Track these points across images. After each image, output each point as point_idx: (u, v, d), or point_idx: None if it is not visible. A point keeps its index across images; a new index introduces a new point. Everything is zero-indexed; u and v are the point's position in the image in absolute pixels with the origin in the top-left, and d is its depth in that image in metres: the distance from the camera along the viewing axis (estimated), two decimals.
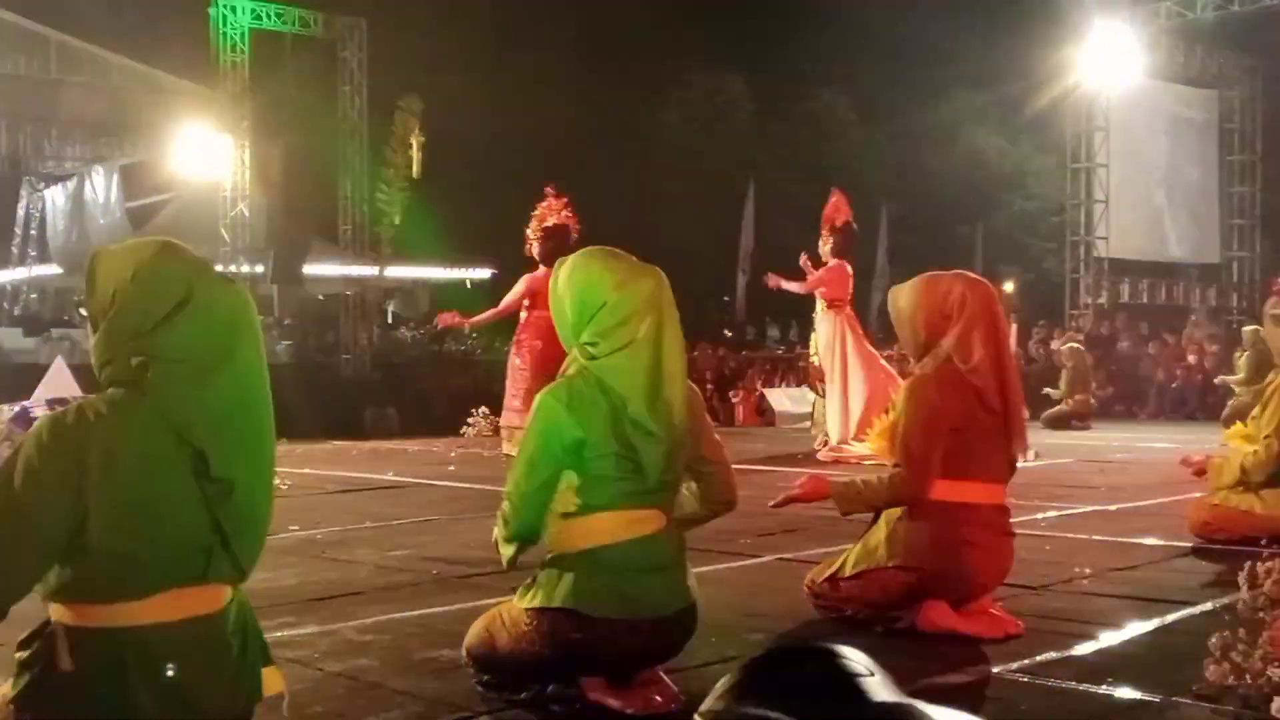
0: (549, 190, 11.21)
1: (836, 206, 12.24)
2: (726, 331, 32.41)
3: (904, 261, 31.30)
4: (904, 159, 36.39)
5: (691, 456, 3.31)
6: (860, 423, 11.16)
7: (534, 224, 11.16)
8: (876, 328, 28.79)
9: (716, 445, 3.42)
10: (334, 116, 21.19)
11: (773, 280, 12.16)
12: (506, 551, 3.27)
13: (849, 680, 1.64)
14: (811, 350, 12.38)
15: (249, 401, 2.51)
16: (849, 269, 12.01)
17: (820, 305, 12.04)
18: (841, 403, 11.51)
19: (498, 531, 3.27)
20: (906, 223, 33.96)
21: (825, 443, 11.64)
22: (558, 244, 10.67)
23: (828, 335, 11.77)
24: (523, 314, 11.09)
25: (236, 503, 2.49)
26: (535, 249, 11.07)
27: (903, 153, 36.54)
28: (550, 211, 11.12)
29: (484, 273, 28.74)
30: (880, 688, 1.64)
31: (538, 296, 10.73)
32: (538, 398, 3.20)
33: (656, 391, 3.13)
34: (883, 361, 11.87)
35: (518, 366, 10.95)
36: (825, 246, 12.12)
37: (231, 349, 2.49)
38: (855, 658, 1.70)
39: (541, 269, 10.73)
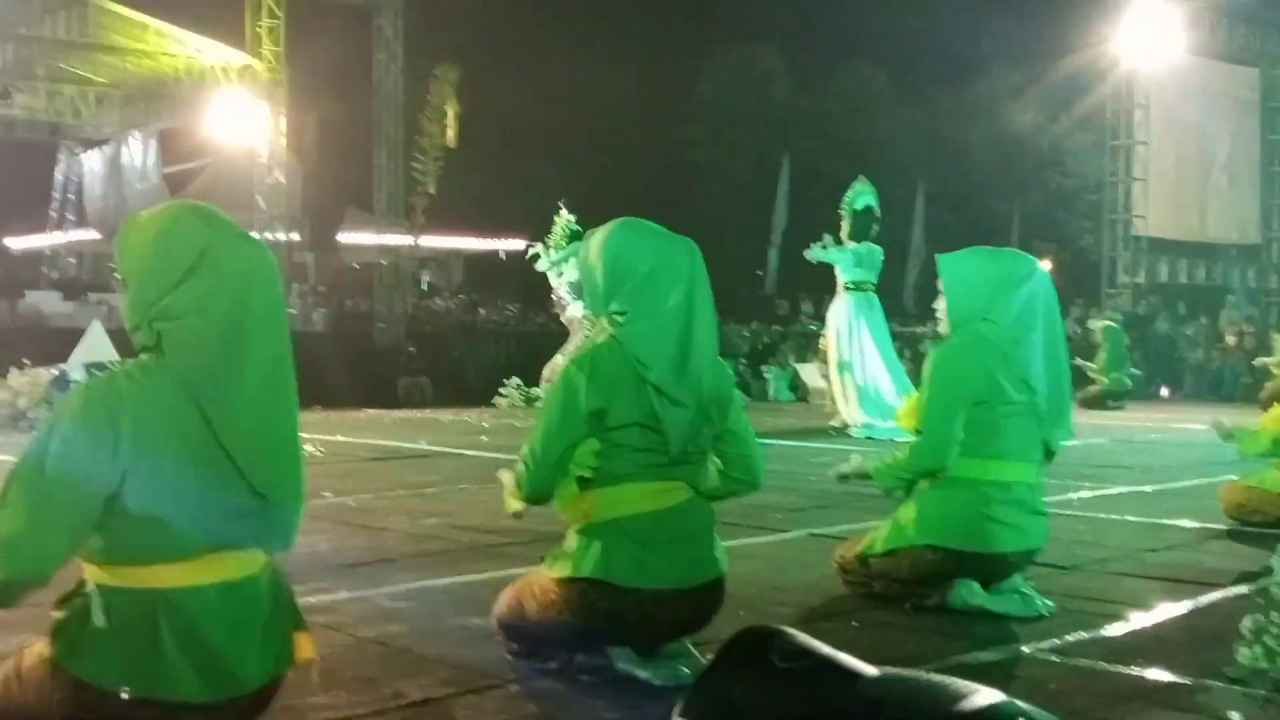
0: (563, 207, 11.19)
1: (858, 191, 12.22)
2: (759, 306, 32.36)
3: (940, 238, 31.09)
4: (941, 135, 36.12)
5: (718, 431, 3.30)
6: (879, 399, 11.30)
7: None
8: (913, 305, 28.77)
9: (744, 422, 3.40)
10: (370, 85, 21.21)
11: (811, 254, 12.17)
12: (512, 504, 3.32)
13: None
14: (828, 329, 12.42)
15: (267, 364, 2.50)
16: (867, 249, 11.94)
17: (841, 284, 12.04)
18: (840, 385, 11.61)
19: (508, 483, 3.31)
20: (943, 199, 33.74)
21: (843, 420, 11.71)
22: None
23: (836, 317, 11.81)
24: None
25: (265, 470, 2.50)
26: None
27: (940, 129, 36.26)
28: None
29: (518, 244, 28.73)
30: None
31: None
32: (562, 365, 3.21)
33: (684, 361, 3.12)
34: (897, 358, 12.01)
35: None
36: (843, 228, 12.14)
37: (243, 308, 2.48)
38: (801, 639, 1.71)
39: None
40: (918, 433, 4.07)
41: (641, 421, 3.12)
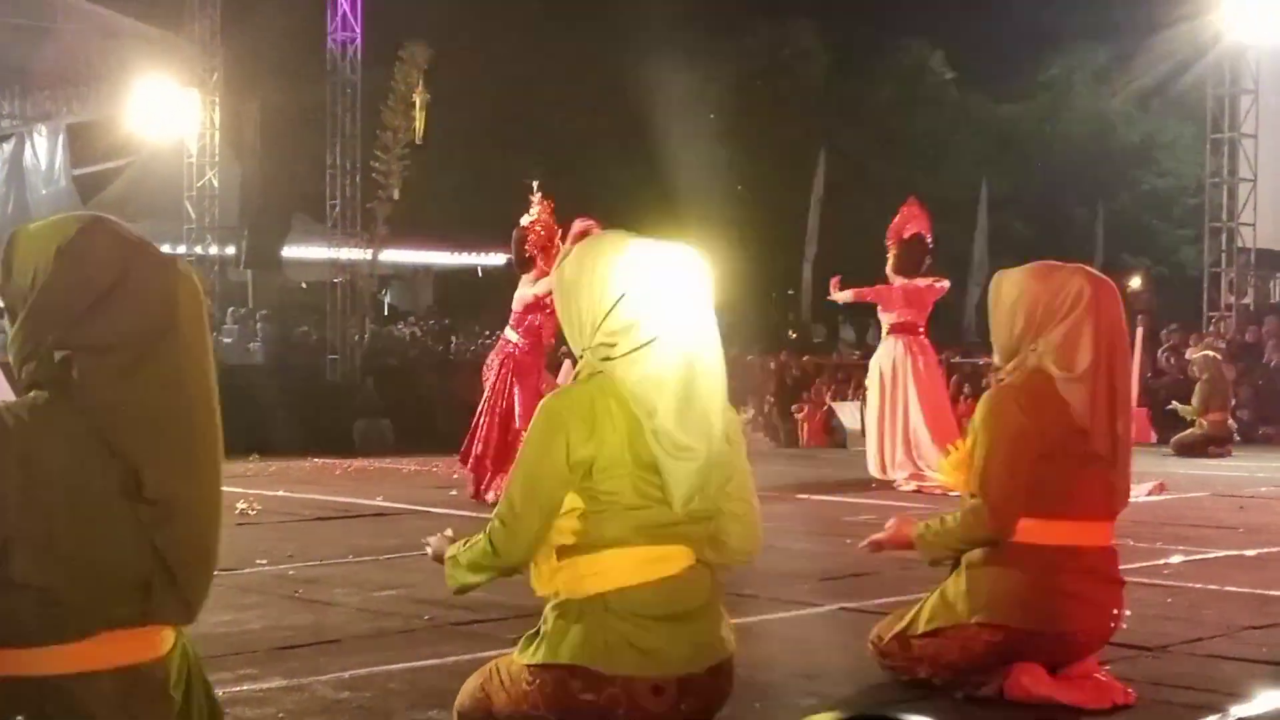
0: (531, 196, 10.96)
1: (907, 217, 12.34)
2: (790, 333, 32.40)
3: (1007, 249, 31.16)
4: (1009, 126, 36.26)
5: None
6: (918, 454, 11.46)
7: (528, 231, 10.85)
8: (975, 330, 28.77)
9: (746, 481, 3.38)
10: (322, 67, 21.33)
11: (834, 288, 12.44)
12: (464, 579, 3.29)
13: None
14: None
15: (190, 403, 2.52)
16: (917, 286, 12.07)
17: (885, 328, 12.25)
18: (878, 435, 11.81)
19: (460, 553, 3.29)
20: (1011, 203, 33.84)
21: (882, 469, 11.87)
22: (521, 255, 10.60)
23: (880, 359, 12.06)
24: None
25: (177, 527, 2.51)
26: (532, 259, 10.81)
27: (1008, 118, 36.40)
28: (533, 224, 10.82)
29: (498, 259, 28.86)
30: None
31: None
32: (541, 404, 3.21)
33: (689, 398, 3.11)
34: (946, 399, 12.15)
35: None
36: (889, 261, 12.31)
37: (167, 340, 2.50)
38: None
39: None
40: (972, 495, 4.07)
41: (634, 473, 3.12)
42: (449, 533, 3.48)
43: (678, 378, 3.12)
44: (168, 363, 2.51)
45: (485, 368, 11.27)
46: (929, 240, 12.42)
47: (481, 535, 3.25)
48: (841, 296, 12.44)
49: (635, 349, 3.12)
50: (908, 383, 11.85)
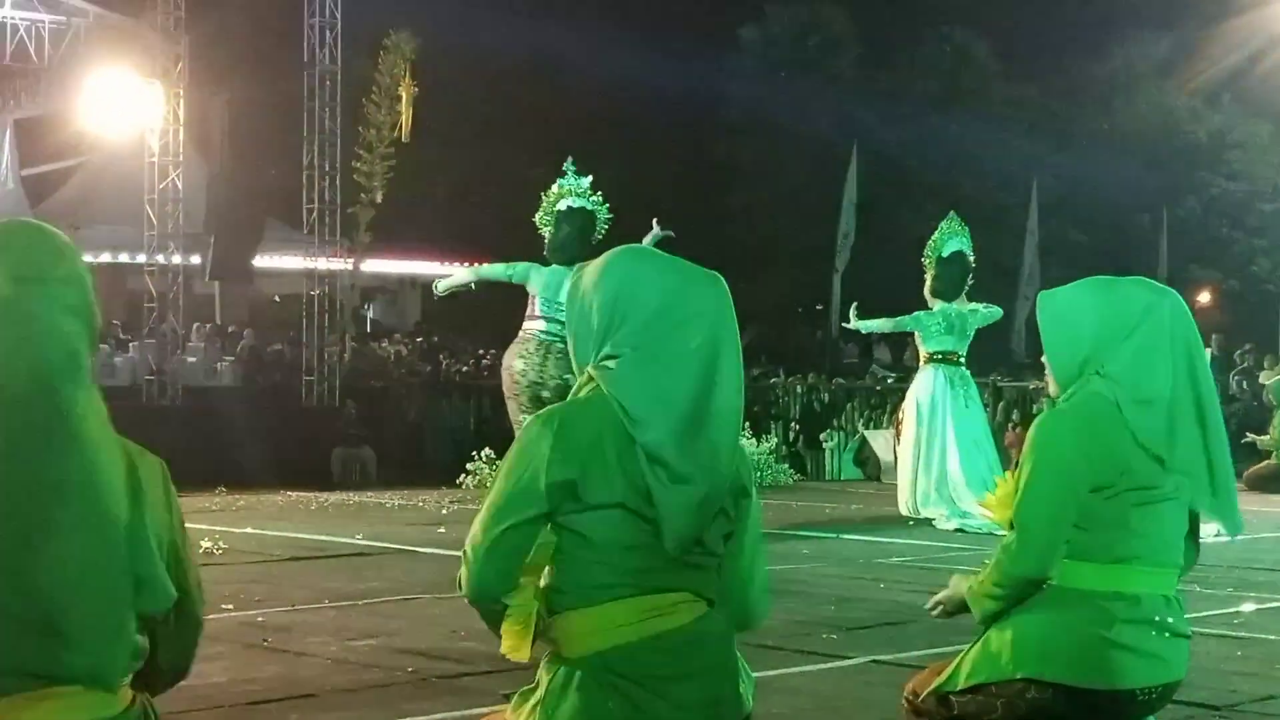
0: (568, 167, 11.45)
1: (945, 233, 12.40)
2: (818, 353, 32.38)
3: (1060, 260, 31.19)
4: (1063, 123, 36.27)
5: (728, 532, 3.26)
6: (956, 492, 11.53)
7: (546, 205, 11.41)
8: (1025, 351, 28.74)
9: (755, 535, 3.28)
10: (298, 58, 21.41)
11: (856, 323, 12.60)
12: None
13: None
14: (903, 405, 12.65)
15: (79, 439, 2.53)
16: (956, 312, 12.12)
17: (923, 356, 12.31)
18: (912, 470, 11.86)
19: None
20: (1064, 209, 33.85)
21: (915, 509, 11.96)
22: (575, 233, 10.97)
23: (918, 390, 12.11)
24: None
25: (67, 566, 2.51)
26: (546, 235, 11.33)
27: (1061, 115, 36.41)
28: (571, 194, 11.33)
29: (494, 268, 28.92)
30: None
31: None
32: (524, 423, 3.21)
33: (698, 425, 3.09)
34: (985, 437, 12.21)
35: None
36: (928, 283, 12.37)
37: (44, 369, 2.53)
38: None
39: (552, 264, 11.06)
40: (1010, 528, 4.06)
41: (627, 504, 3.08)
42: None
43: (687, 401, 3.11)
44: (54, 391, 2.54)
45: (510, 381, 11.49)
46: (971, 258, 12.45)
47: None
48: (866, 325, 12.55)
49: (643, 362, 3.13)
50: (946, 418, 11.88)
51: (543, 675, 3.22)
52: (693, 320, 3.16)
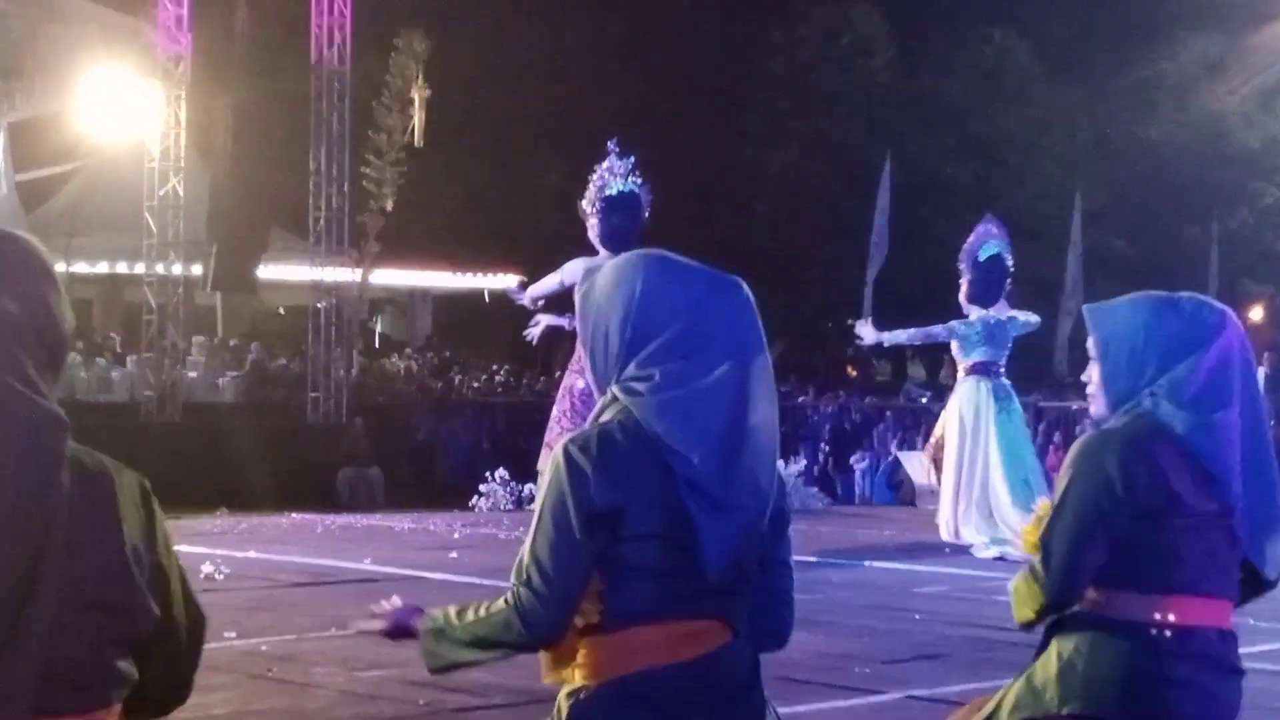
0: (612, 147, 11.40)
1: (983, 236, 12.38)
2: (849, 370, 32.40)
3: (1105, 273, 31.12)
4: (1108, 129, 36.22)
5: (763, 556, 3.27)
6: (998, 517, 11.50)
7: (591, 193, 11.33)
8: (1067, 369, 28.64)
9: (787, 554, 3.34)
10: (305, 60, 21.47)
11: (866, 333, 12.60)
12: (458, 655, 3.21)
13: None
14: (939, 427, 12.61)
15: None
16: (995, 320, 12.12)
17: (960, 368, 12.30)
18: (954, 490, 11.83)
19: (454, 621, 3.23)
20: (1110, 219, 33.79)
21: (956, 534, 11.92)
22: (625, 219, 10.90)
23: (957, 407, 12.09)
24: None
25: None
26: (594, 228, 11.24)
27: (1106, 120, 36.36)
28: (612, 175, 11.29)
29: (508, 279, 28.91)
30: None
31: None
32: (556, 449, 3.18)
33: (734, 450, 3.10)
34: (1030, 453, 12.19)
35: (579, 389, 11.19)
36: (962, 288, 12.35)
37: None
38: None
39: (604, 254, 10.96)
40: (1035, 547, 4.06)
41: (665, 533, 3.10)
42: (395, 600, 3.44)
43: (722, 426, 3.11)
44: None
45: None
46: (1009, 262, 12.43)
47: (502, 605, 3.21)
48: (890, 338, 12.55)
49: (673, 388, 3.13)
50: (989, 431, 11.85)
51: (561, 703, 3.22)
52: (719, 336, 3.16)
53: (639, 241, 11.47)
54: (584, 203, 11.40)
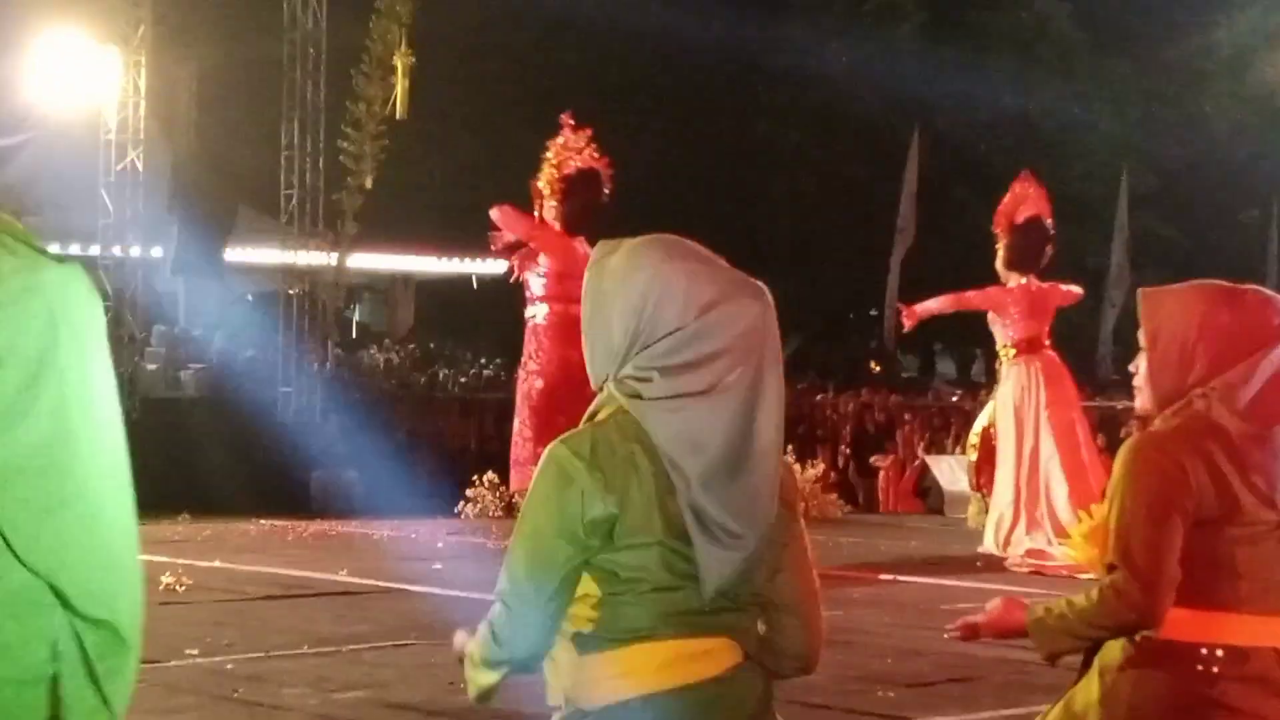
0: (566, 121, 11.48)
1: (1020, 197, 12.37)
2: (872, 365, 32.40)
3: (1153, 260, 31.14)
4: (1158, 104, 36.20)
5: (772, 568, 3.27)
6: (1050, 518, 11.40)
7: (547, 172, 11.40)
8: (1111, 365, 28.64)
9: (804, 561, 3.33)
10: (277, 20, 21.47)
11: (908, 316, 12.58)
12: (480, 680, 3.27)
13: None
14: (985, 417, 12.57)
15: (64, 448, 2.51)
16: (1037, 287, 12.10)
17: (1000, 346, 12.24)
18: (1014, 489, 11.75)
19: (472, 647, 3.27)
20: (1160, 201, 33.81)
21: (1006, 543, 11.82)
22: (587, 200, 10.98)
23: (1008, 394, 12.04)
24: (536, 310, 11.37)
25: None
26: (553, 209, 11.31)
27: (1156, 94, 36.34)
28: (569, 152, 11.37)
29: (497, 266, 28.93)
30: None
31: (563, 279, 11.06)
32: (547, 450, 3.19)
33: (735, 470, 3.10)
34: (1086, 439, 12.09)
35: (536, 391, 11.22)
36: (999, 254, 12.33)
37: (46, 364, 2.50)
38: None
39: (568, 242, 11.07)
40: (1111, 568, 4.04)
41: (666, 542, 3.11)
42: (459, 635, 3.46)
43: (724, 444, 3.11)
44: (43, 397, 2.50)
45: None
46: (1049, 224, 12.41)
47: (484, 621, 3.24)
48: (925, 308, 12.50)
49: (679, 395, 3.12)
50: (1039, 418, 11.78)
51: None
52: (731, 347, 3.15)
53: (599, 221, 11.55)
54: (539, 182, 11.48)
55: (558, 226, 11.43)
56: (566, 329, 11.12)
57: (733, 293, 3.20)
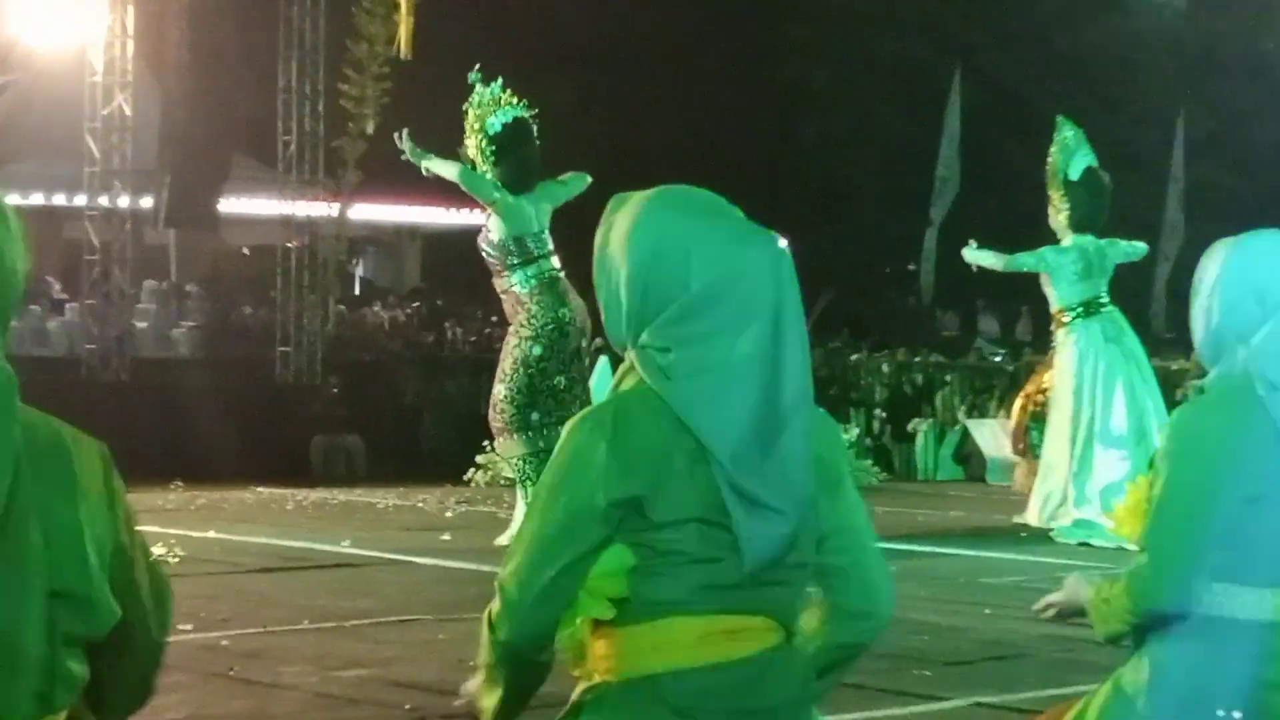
0: (474, 77, 11.59)
1: (1067, 150, 12.30)
2: (910, 324, 32.30)
3: (1210, 212, 30.96)
4: (1215, 40, 36.03)
5: (823, 531, 3.28)
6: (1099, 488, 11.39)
7: (474, 140, 11.49)
8: (1165, 323, 28.55)
9: (859, 515, 3.33)
10: None
11: (974, 257, 12.48)
12: (488, 700, 3.25)
13: None
14: (1039, 383, 12.55)
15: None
16: (1097, 243, 12.07)
17: (1055, 310, 12.21)
18: (1066, 461, 11.71)
19: (484, 652, 3.27)
20: (1217, 149, 33.66)
21: (1053, 517, 11.82)
22: (525, 152, 11.09)
23: (1064, 361, 11.99)
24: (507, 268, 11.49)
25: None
26: (496, 174, 11.38)
27: (1214, 33, 36.17)
28: (486, 109, 11.51)
29: None
30: None
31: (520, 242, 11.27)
32: (567, 427, 3.19)
33: (769, 440, 3.10)
34: (1155, 402, 12.06)
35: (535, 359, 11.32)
36: (1058, 215, 12.26)
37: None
38: None
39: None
40: (1141, 549, 4.04)
41: (703, 516, 3.11)
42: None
43: (755, 414, 3.11)
44: None
45: None
46: (1106, 176, 12.35)
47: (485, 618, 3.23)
48: (974, 256, 12.43)
49: (698, 371, 3.12)
50: (1107, 381, 11.74)
51: (576, 704, 3.23)
52: (746, 303, 3.13)
53: (540, 170, 11.65)
54: (468, 150, 11.55)
55: (509, 183, 11.54)
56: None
57: (739, 241, 3.19)
